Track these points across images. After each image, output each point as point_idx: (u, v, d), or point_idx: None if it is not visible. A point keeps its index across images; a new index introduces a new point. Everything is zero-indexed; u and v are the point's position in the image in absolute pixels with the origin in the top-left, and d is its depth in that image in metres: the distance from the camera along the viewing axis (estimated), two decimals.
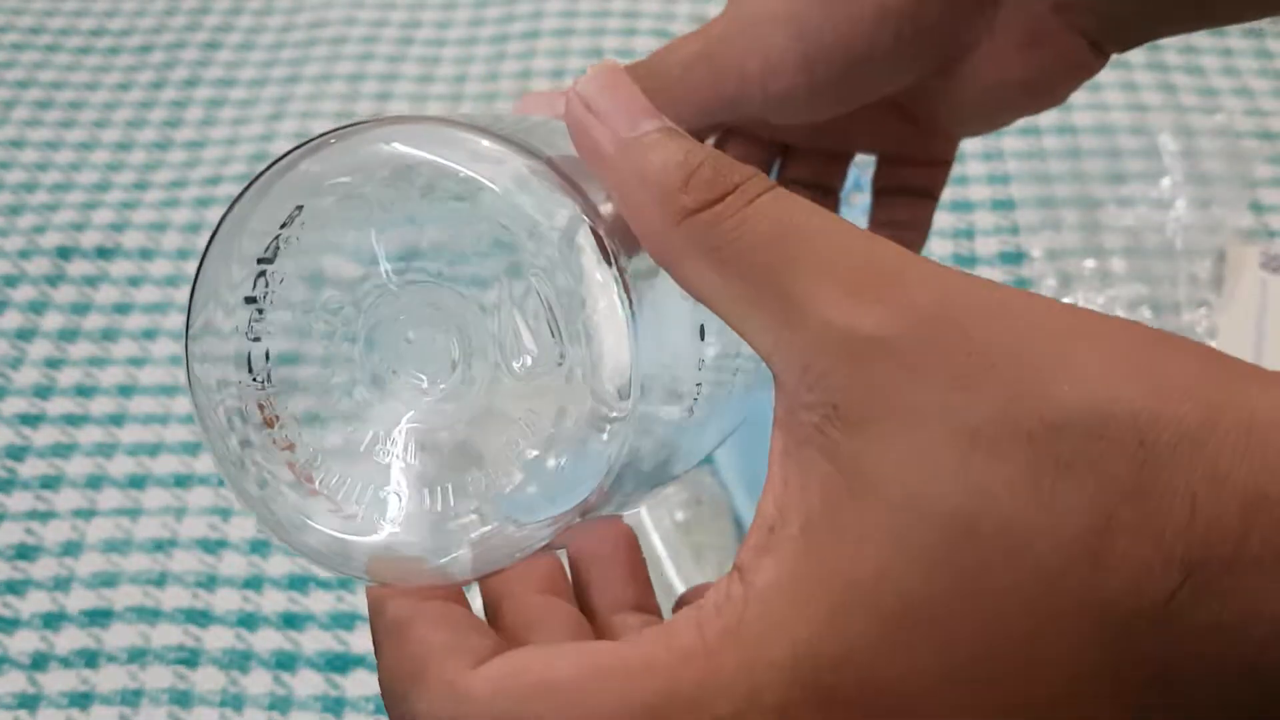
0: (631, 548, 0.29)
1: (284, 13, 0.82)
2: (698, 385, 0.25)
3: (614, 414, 0.22)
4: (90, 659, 0.49)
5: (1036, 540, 0.19)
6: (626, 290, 0.22)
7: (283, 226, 0.24)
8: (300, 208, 0.23)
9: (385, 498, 0.24)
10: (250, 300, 0.24)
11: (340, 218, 0.23)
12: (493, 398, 0.23)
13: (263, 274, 0.24)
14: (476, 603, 0.26)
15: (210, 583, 0.52)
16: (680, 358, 0.24)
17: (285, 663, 0.49)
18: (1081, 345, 0.20)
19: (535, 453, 0.23)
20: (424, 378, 0.24)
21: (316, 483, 0.24)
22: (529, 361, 0.23)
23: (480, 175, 0.22)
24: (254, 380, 0.24)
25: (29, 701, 0.48)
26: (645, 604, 0.28)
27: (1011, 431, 0.19)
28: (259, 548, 0.53)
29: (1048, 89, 0.36)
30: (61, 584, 0.52)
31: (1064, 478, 0.19)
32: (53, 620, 0.51)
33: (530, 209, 0.23)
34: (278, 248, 0.24)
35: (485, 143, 0.23)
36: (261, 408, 0.24)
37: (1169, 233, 0.61)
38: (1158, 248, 0.61)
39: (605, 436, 0.23)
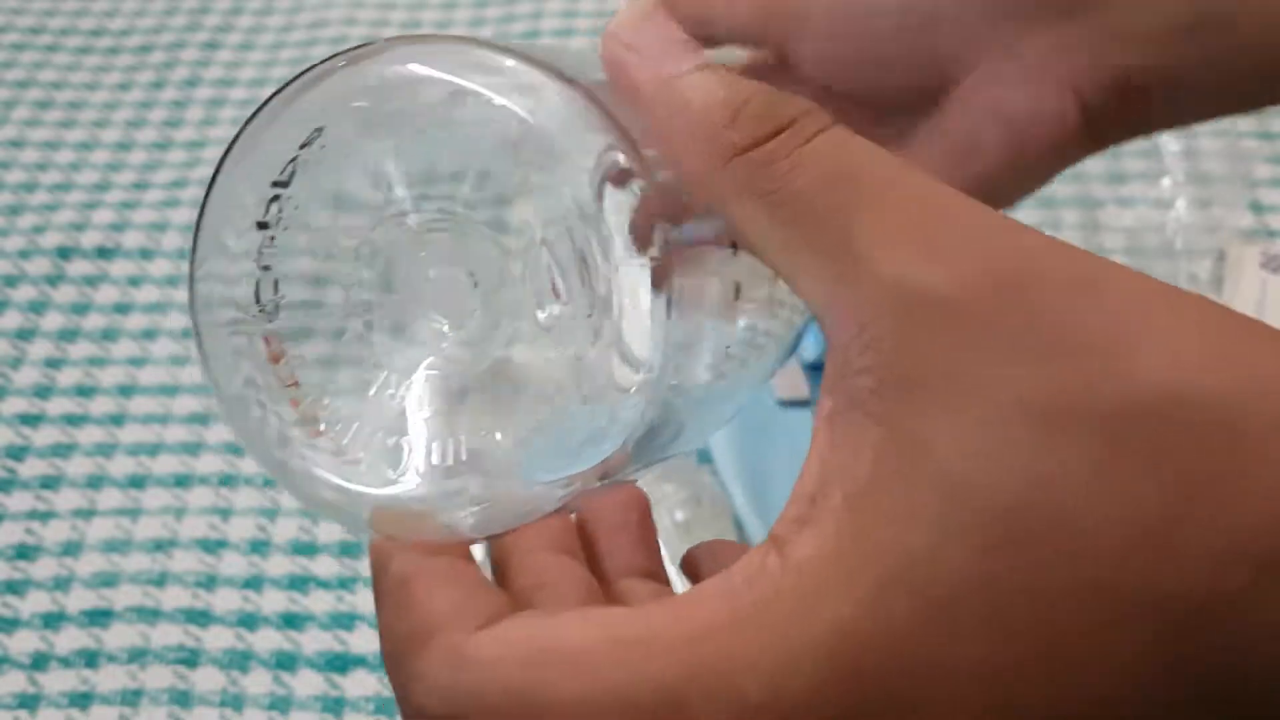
0: (644, 513, 0.27)
1: (284, 13, 0.82)
2: (728, 348, 0.24)
3: (640, 375, 0.21)
4: (90, 659, 0.49)
5: (1102, 532, 0.18)
6: (665, 244, 0.20)
7: (301, 148, 0.22)
8: (321, 129, 0.22)
9: (394, 446, 0.22)
10: (262, 225, 0.22)
11: (362, 143, 0.22)
12: (514, 347, 0.22)
13: (276, 198, 0.22)
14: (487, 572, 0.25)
15: (210, 583, 0.52)
16: (713, 321, 0.23)
17: (285, 663, 0.49)
18: (1167, 323, 0.18)
19: (555, 409, 0.22)
20: (443, 321, 0.22)
21: (321, 425, 0.22)
22: (555, 311, 0.21)
23: (516, 105, 0.20)
24: (261, 311, 0.22)
25: (29, 701, 0.48)
26: (656, 572, 0.26)
27: (1086, 413, 0.18)
28: (259, 548, 0.53)
29: (1027, 148, 0.35)
30: (61, 584, 0.52)
31: (1138, 465, 0.17)
32: (53, 620, 0.51)
33: (567, 143, 0.21)
34: (294, 171, 0.22)
35: (523, 68, 0.21)
36: (268, 342, 0.22)
37: (1169, 233, 0.62)
38: (1158, 248, 0.61)
39: (630, 398, 0.21)
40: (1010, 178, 0.36)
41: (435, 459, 0.22)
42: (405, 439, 0.22)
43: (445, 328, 0.22)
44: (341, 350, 0.22)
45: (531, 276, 0.21)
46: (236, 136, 0.22)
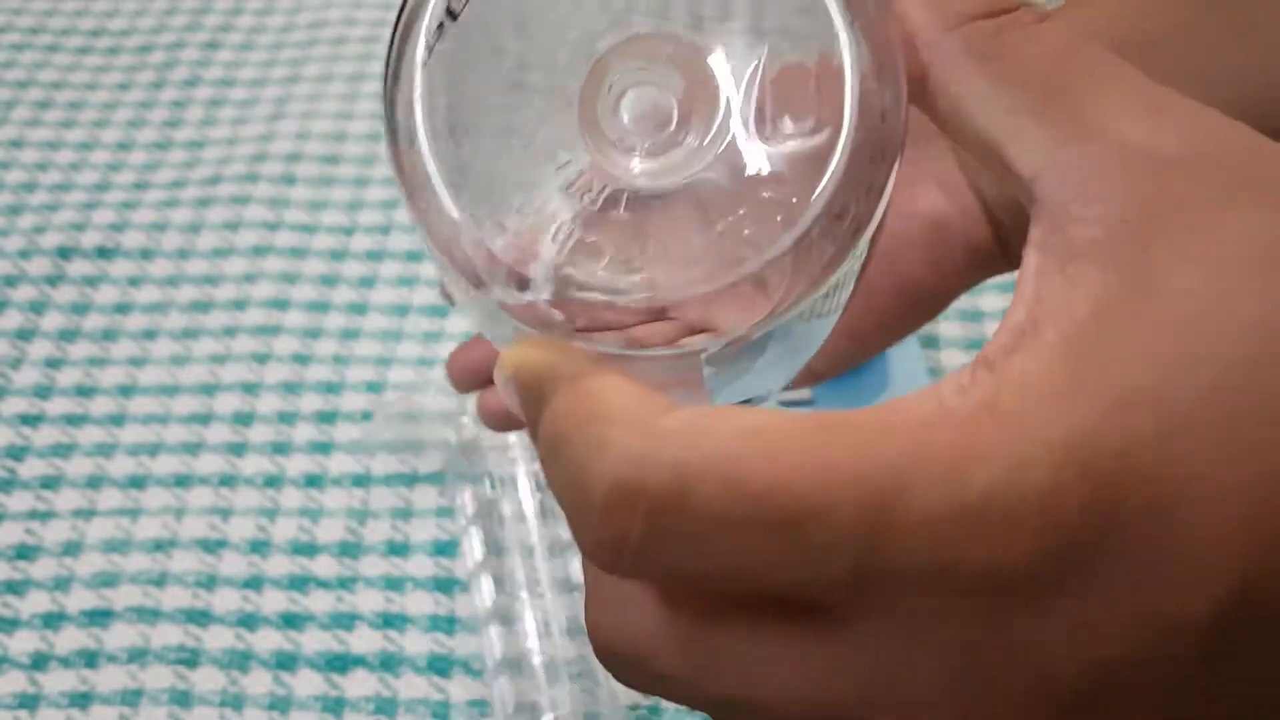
0: None
1: (284, 13, 0.82)
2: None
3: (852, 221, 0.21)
4: (90, 659, 0.49)
5: None
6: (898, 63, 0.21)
7: None
8: None
9: (587, 244, 0.22)
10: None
11: None
12: (724, 167, 0.22)
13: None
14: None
15: (210, 583, 0.52)
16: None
17: (285, 663, 0.49)
18: None
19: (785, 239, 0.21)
20: (646, 132, 0.22)
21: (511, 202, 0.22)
22: (787, 127, 0.21)
23: None
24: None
25: (29, 701, 0.48)
26: None
27: None
28: (259, 548, 0.53)
29: (946, 251, 0.35)
30: (61, 584, 0.52)
31: None
32: (53, 620, 0.51)
33: None
34: None
35: None
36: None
37: None
38: None
39: (833, 246, 0.21)
40: (935, 281, 0.37)
41: (616, 264, 0.22)
42: (592, 238, 0.22)
43: (640, 141, 0.22)
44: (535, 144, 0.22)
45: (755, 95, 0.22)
46: None
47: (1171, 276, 0.19)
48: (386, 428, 0.56)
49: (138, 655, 0.49)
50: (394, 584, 0.51)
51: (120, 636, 0.50)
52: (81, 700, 0.48)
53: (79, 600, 0.51)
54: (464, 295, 0.23)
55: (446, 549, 0.53)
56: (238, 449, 0.57)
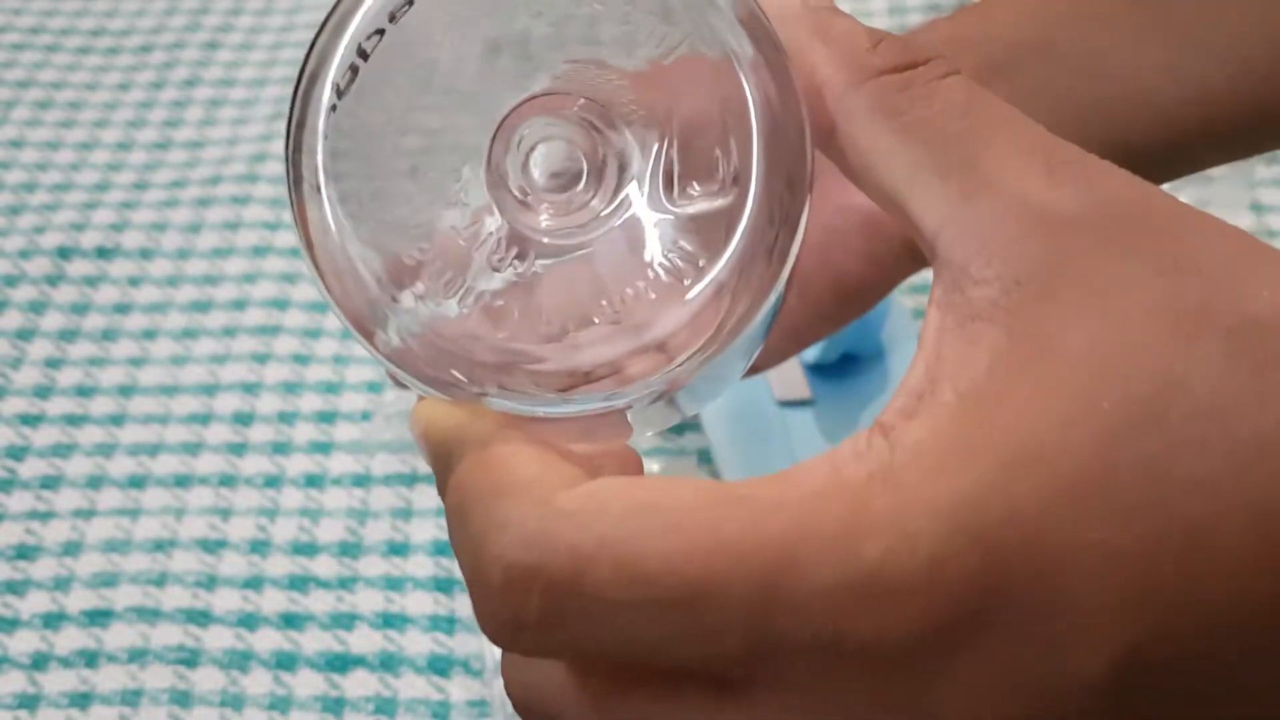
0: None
1: (284, 13, 0.82)
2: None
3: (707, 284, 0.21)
4: (90, 659, 0.49)
5: (1229, 430, 0.18)
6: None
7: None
8: None
9: (484, 298, 0.22)
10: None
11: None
12: (635, 225, 0.22)
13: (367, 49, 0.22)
14: None
15: (210, 583, 0.52)
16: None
17: (285, 663, 0.49)
18: (1275, 256, 0.19)
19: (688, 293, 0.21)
20: (553, 182, 0.22)
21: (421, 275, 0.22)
22: (694, 189, 0.22)
23: None
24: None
25: (29, 701, 0.48)
26: None
27: (1211, 322, 0.18)
28: (259, 548, 0.53)
29: (881, 243, 0.36)
30: (61, 584, 0.52)
31: (1261, 374, 0.18)
32: (53, 620, 0.51)
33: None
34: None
35: None
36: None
37: None
38: None
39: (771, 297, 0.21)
40: (873, 271, 0.37)
41: (535, 327, 0.22)
42: (495, 293, 0.22)
43: (550, 192, 0.22)
44: (440, 194, 0.22)
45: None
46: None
47: (1065, 337, 0.19)
48: (386, 428, 0.56)
49: (138, 655, 0.49)
50: (394, 584, 0.52)
51: (120, 636, 0.50)
52: (81, 700, 0.48)
53: (79, 600, 0.51)
54: (366, 347, 0.23)
55: (446, 549, 0.53)
56: (238, 449, 0.57)
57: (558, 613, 0.19)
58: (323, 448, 0.56)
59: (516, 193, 0.22)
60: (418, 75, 0.22)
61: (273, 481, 0.55)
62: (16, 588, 0.52)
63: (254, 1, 0.83)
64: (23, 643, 0.50)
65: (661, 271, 0.22)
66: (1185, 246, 0.19)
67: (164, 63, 0.79)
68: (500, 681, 0.47)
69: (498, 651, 0.48)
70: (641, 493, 0.19)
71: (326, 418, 0.58)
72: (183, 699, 0.48)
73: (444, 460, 0.22)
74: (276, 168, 0.70)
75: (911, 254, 0.36)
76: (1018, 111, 0.21)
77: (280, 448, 0.57)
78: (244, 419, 0.58)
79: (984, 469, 0.18)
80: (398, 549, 0.53)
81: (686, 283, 0.22)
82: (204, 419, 0.58)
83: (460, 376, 0.22)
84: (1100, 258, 0.19)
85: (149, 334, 0.62)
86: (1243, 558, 0.18)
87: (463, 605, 0.51)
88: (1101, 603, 0.18)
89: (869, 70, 0.21)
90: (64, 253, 0.66)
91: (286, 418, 0.58)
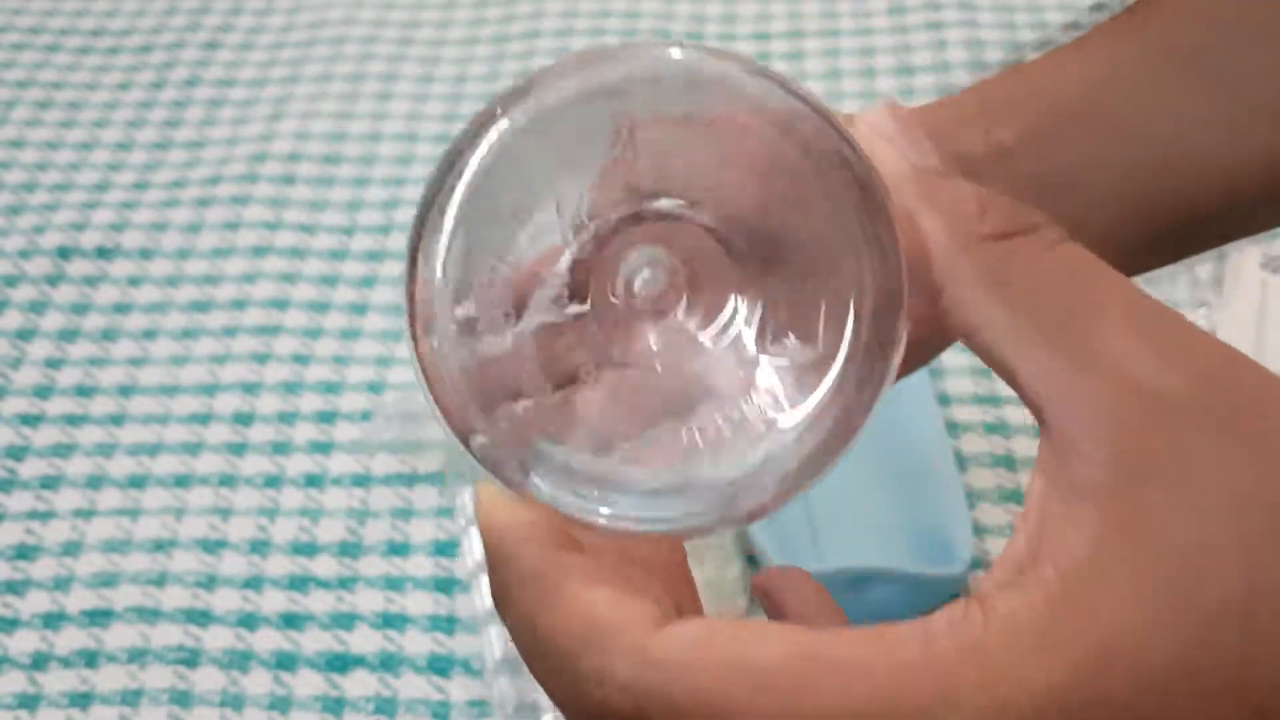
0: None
1: (284, 13, 0.82)
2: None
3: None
4: (90, 659, 0.49)
5: None
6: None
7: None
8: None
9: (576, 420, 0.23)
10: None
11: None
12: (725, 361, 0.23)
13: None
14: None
15: (210, 583, 0.52)
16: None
17: (285, 663, 0.49)
18: None
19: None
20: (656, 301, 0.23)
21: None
22: (789, 344, 0.23)
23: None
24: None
25: (29, 701, 0.48)
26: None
27: None
28: (259, 548, 0.53)
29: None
30: (61, 584, 0.52)
31: None
32: (53, 620, 0.51)
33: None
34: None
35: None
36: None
37: None
38: None
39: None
40: (928, 336, 0.37)
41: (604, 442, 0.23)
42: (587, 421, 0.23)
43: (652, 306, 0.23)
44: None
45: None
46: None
47: (1165, 531, 0.20)
48: (386, 428, 0.56)
49: (138, 655, 0.49)
50: (394, 584, 0.52)
51: (120, 636, 0.50)
52: (81, 700, 0.48)
53: (79, 600, 0.51)
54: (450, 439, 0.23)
55: (446, 549, 0.53)
56: (238, 449, 0.57)
57: None
58: (323, 448, 0.56)
59: (619, 302, 0.23)
60: (520, 187, 0.23)
61: (273, 481, 0.55)
62: (16, 588, 0.52)
63: (254, 1, 0.83)
64: (23, 643, 0.50)
65: (744, 411, 0.23)
66: (1271, 425, 0.20)
67: (164, 63, 0.79)
68: (501, 681, 0.47)
69: (498, 651, 0.48)
70: (732, 646, 0.20)
71: (326, 418, 0.58)
72: (183, 699, 0.48)
73: (500, 557, 0.22)
74: (277, 168, 0.70)
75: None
76: (1125, 280, 0.21)
77: (280, 448, 0.57)
78: (244, 419, 0.58)
79: (1078, 655, 0.19)
80: (398, 549, 0.53)
81: (762, 429, 0.23)
82: (204, 419, 0.58)
83: (536, 480, 0.22)
84: (1202, 446, 0.20)
85: (149, 334, 0.62)
86: None
87: (463, 605, 0.51)
88: None
89: (974, 236, 0.22)
90: (64, 253, 0.66)
91: (286, 418, 0.58)
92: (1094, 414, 0.20)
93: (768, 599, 0.28)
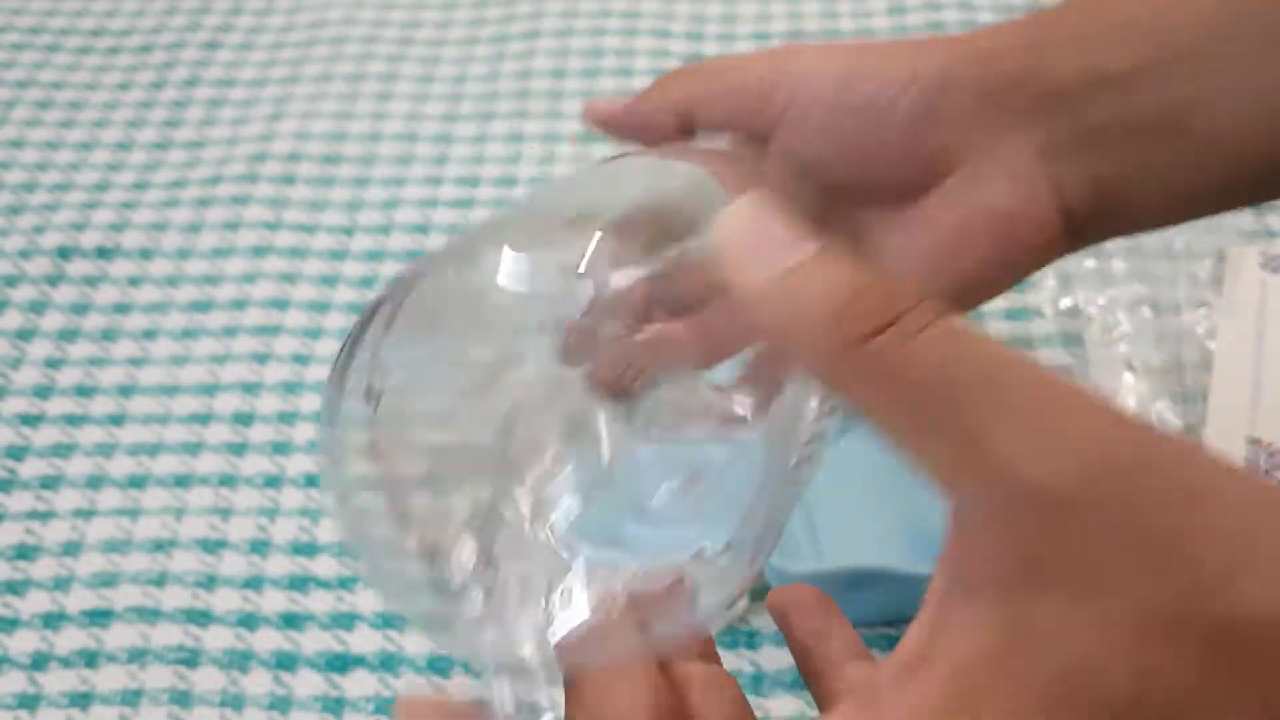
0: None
1: (284, 13, 0.82)
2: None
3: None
4: (90, 659, 0.49)
5: None
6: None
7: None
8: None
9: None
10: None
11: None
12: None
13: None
14: None
15: (210, 583, 0.52)
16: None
17: (285, 663, 0.49)
18: (1273, 550, 0.19)
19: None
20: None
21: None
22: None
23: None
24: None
25: (29, 701, 0.48)
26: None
27: (1188, 625, 0.19)
28: (259, 548, 0.53)
29: (1014, 244, 0.36)
30: (61, 584, 0.52)
31: (1235, 679, 0.19)
32: (53, 620, 0.51)
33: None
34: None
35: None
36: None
37: (1168, 233, 0.61)
38: (1157, 248, 0.61)
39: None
40: (998, 273, 0.37)
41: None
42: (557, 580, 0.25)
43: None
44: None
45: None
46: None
47: (1052, 628, 0.20)
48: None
49: (138, 655, 0.49)
50: None
51: (120, 636, 0.50)
52: (81, 700, 0.48)
53: (79, 600, 0.51)
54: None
55: None
56: (238, 449, 0.57)
57: None
58: None
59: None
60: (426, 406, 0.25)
61: (273, 481, 0.55)
62: (16, 588, 0.52)
63: (254, 1, 0.83)
64: (23, 643, 0.50)
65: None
66: (1182, 533, 0.20)
67: (164, 63, 0.79)
68: (501, 681, 0.47)
69: None
70: None
71: None
72: (183, 699, 0.48)
73: None
74: (277, 168, 0.70)
75: (1038, 254, 0.36)
76: (1002, 355, 0.21)
77: (280, 448, 0.57)
78: (244, 419, 0.58)
79: None
80: None
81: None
82: (204, 419, 0.58)
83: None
84: (1094, 547, 0.20)
85: (149, 334, 0.62)
86: None
87: None
88: None
89: (854, 338, 0.21)
90: (64, 253, 0.66)
91: (286, 418, 0.58)
92: (989, 513, 0.21)
93: (777, 615, 0.31)
